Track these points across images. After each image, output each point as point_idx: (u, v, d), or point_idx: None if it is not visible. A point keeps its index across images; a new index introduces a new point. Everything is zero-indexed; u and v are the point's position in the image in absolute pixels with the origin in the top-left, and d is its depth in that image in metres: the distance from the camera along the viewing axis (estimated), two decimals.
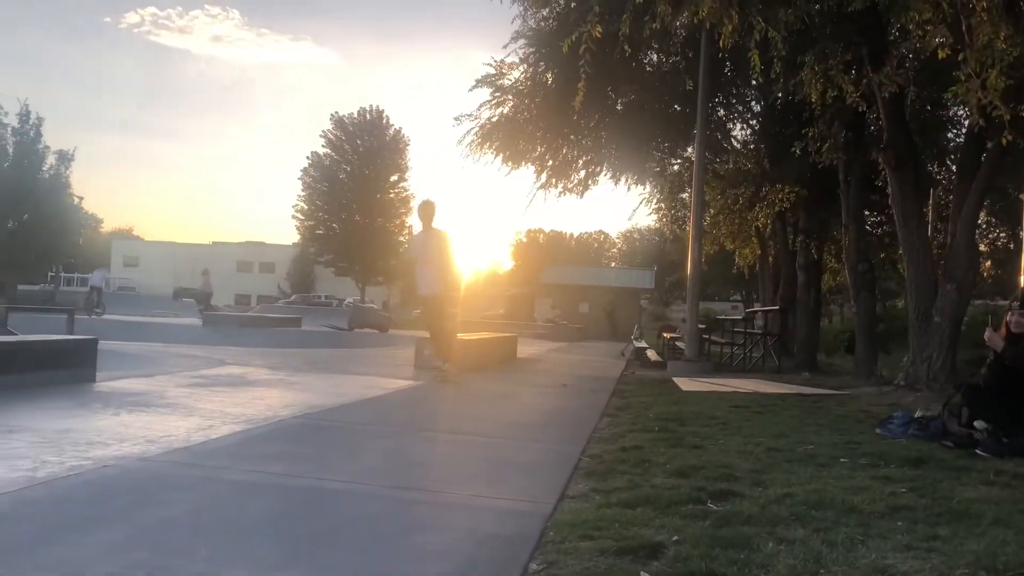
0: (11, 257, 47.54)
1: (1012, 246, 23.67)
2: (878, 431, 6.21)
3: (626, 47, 9.15)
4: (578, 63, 9.09)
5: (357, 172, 61.34)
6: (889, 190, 10.80)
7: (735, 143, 18.54)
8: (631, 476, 4.26)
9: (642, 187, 19.07)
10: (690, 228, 14.94)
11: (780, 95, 14.43)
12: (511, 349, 14.03)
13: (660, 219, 22.32)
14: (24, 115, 48.22)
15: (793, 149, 13.00)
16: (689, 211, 16.33)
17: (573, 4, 11.96)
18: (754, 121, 18.28)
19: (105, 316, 23.77)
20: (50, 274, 57.27)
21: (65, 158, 49.77)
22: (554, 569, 2.72)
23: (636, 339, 20.79)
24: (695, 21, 8.52)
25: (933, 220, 13.70)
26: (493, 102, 14.79)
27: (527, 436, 5.91)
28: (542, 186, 16.08)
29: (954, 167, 14.73)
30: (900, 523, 3.43)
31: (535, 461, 4.86)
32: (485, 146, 14.97)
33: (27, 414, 5.06)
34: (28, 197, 47.12)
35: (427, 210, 9.62)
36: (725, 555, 2.85)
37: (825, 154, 12.25)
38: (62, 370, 6.70)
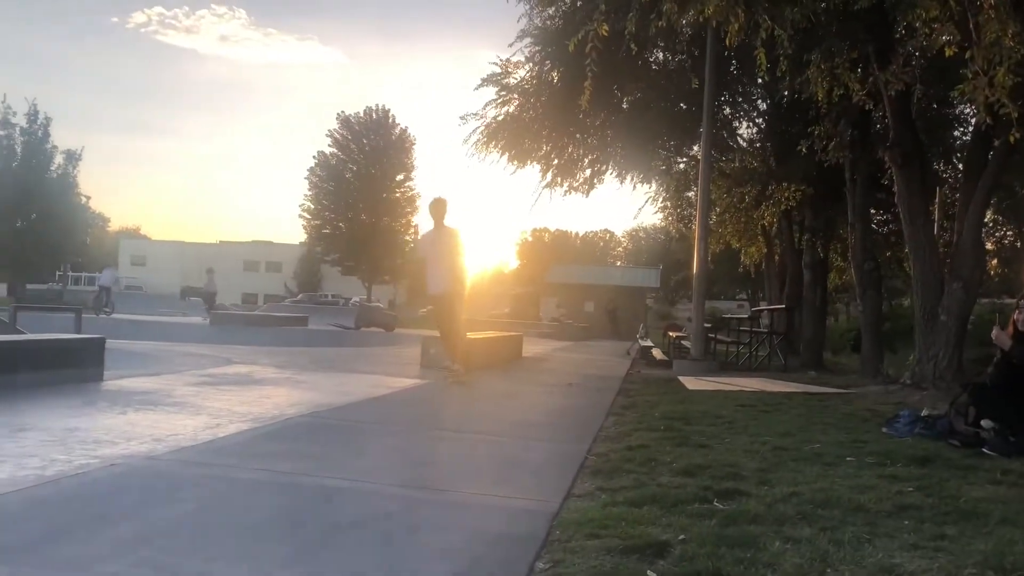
0: (19, 256, 47.69)
1: (1019, 244, 23.65)
2: (884, 430, 6.20)
3: (632, 45, 9.15)
4: (584, 62, 9.09)
5: (363, 171, 61.38)
6: (895, 188, 10.77)
7: (741, 141, 18.54)
8: (637, 475, 4.26)
9: (648, 186, 19.07)
10: (696, 227, 14.91)
11: (786, 93, 14.38)
12: (517, 348, 14.04)
13: (666, 218, 22.30)
14: (32, 115, 48.36)
15: (799, 147, 12.97)
16: (695, 209, 16.31)
17: (579, 3, 11.98)
18: (760, 119, 18.27)
19: (113, 315, 23.83)
20: (58, 273, 57.44)
21: (73, 157, 49.90)
22: (560, 568, 2.72)
23: (642, 338, 20.76)
24: (701, 19, 8.52)
25: (939, 218, 13.67)
26: (499, 101, 14.81)
27: (533, 435, 5.91)
28: (548, 185, 16.10)
29: (960, 165, 14.68)
30: (907, 522, 3.43)
31: (541, 460, 4.86)
32: (491, 145, 14.98)
33: (36, 413, 5.09)
34: (36, 196, 47.25)
35: (439, 207, 9.37)
36: (731, 554, 2.85)
37: (831, 152, 12.22)
38: (70, 369, 6.72)
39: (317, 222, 62.70)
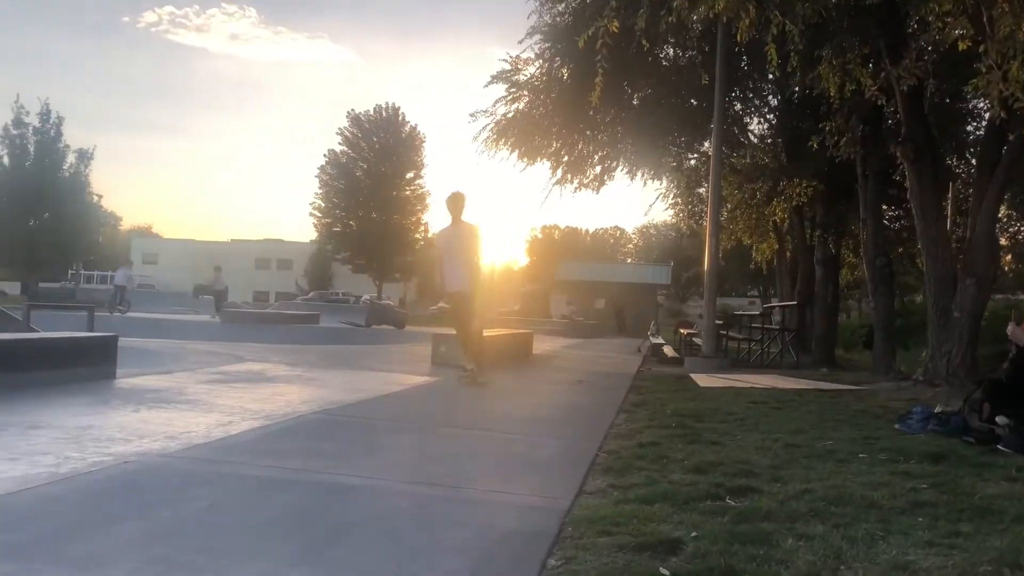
0: (33, 255, 48.03)
1: None
2: (897, 427, 6.17)
3: (643, 42, 9.14)
4: (594, 58, 9.08)
5: (373, 169, 61.54)
6: (908, 184, 10.71)
7: (752, 137, 18.47)
8: (649, 472, 4.25)
9: (658, 182, 19.04)
10: (707, 223, 14.87)
11: (797, 89, 14.35)
12: (527, 346, 14.03)
13: (677, 214, 22.27)
14: (45, 114, 48.68)
15: (810, 143, 12.92)
16: (706, 206, 16.28)
17: None
18: (771, 115, 18.21)
19: (128, 313, 23.96)
20: (71, 272, 57.83)
21: (85, 157, 50.21)
22: (572, 565, 2.72)
23: (653, 335, 20.74)
24: (712, 15, 8.48)
25: (952, 214, 13.57)
26: (508, 98, 14.81)
27: (544, 432, 5.91)
28: (558, 182, 16.09)
29: (974, 160, 14.58)
30: (921, 519, 3.41)
31: (552, 457, 4.85)
32: (500, 142, 14.98)
33: (49, 410, 5.11)
34: (49, 196, 47.58)
35: (457, 203, 8.93)
36: (744, 551, 2.84)
37: (843, 148, 12.17)
38: (83, 367, 6.75)
39: (328, 220, 62.91)
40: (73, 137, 74.37)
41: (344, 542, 2.84)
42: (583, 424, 6.38)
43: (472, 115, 15.16)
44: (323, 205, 62.87)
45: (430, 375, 9.24)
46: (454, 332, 9.48)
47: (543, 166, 15.80)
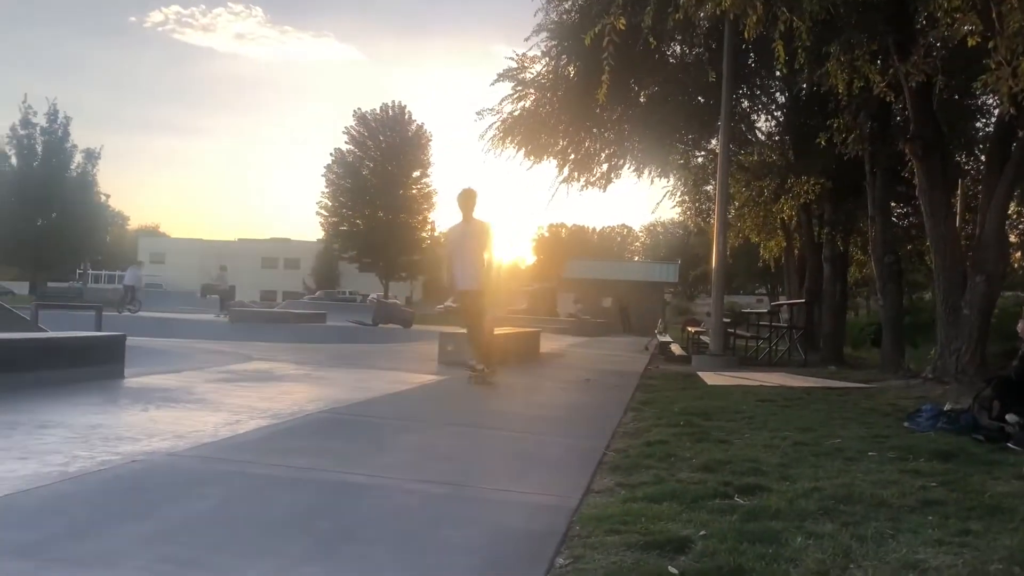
0: (41, 255, 48.30)
1: None
2: (906, 425, 6.15)
3: (650, 39, 9.12)
4: (601, 55, 9.06)
5: (380, 168, 61.62)
6: (916, 181, 10.66)
7: (759, 135, 18.43)
8: (657, 471, 4.25)
9: (666, 180, 19.04)
10: (714, 221, 14.85)
11: (805, 86, 14.33)
12: (534, 344, 14.02)
13: (684, 212, 22.23)
14: (52, 114, 48.95)
15: (818, 140, 12.88)
16: (713, 204, 16.23)
17: None
18: (779, 112, 18.16)
19: (138, 312, 24.04)
20: (79, 271, 58.05)
21: (92, 156, 50.49)
22: (581, 563, 2.71)
23: (660, 333, 20.69)
24: (719, 12, 8.46)
25: (961, 211, 13.52)
26: (515, 96, 14.80)
27: (551, 431, 5.91)
28: (564, 180, 16.07)
29: (983, 157, 14.52)
30: (931, 518, 3.39)
31: (560, 456, 4.85)
32: (507, 140, 14.98)
33: (58, 409, 5.13)
34: (57, 195, 47.84)
35: (468, 199, 8.74)
36: (753, 550, 2.83)
37: (851, 145, 12.13)
38: (91, 366, 6.77)
39: (334, 219, 63.02)
40: (80, 137, 74.85)
41: (352, 540, 2.84)
42: (591, 422, 6.38)
43: (478, 113, 15.18)
44: (330, 204, 62.98)
45: (437, 374, 9.24)
46: (463, 331, 9.39)
47: (550, 164, 15.81)
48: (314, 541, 2.80)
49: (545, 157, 15.53)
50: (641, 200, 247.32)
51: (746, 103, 17.55)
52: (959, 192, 13.49)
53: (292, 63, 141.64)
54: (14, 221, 47.14)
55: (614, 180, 16.68)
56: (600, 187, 16.59)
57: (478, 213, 8.84)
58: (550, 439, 5.46)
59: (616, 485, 3.92)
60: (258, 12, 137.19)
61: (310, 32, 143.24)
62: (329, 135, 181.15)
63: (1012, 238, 19.01)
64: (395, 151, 62.03)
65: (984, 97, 14.04)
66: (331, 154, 63.65)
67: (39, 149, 48.53)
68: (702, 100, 15.72)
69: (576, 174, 16.09)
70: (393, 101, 67.53)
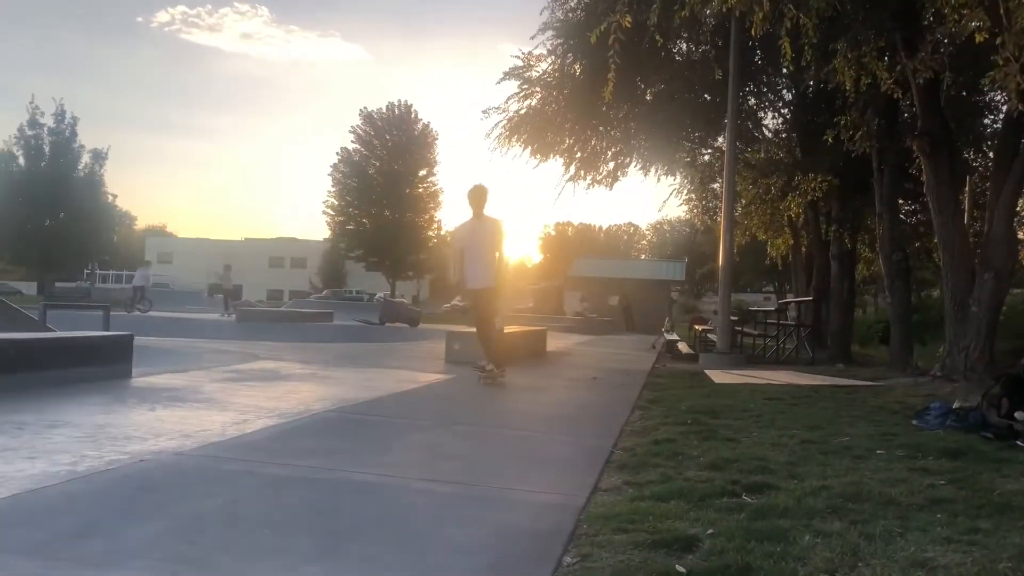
0: (48, 255, 48.47)
1: None
2: (915, 422, 6.13)
3: (655, 36, 9.11)
4: (607, 53, 9.05)
5: (386, 167, 61.70)
6: (924, 178, 10.62)
7: (766, 132, 18.39)
8: (664, 469, 4.24)
9: (672, 178, 18.99)
10: (721, 219, 14.81)
11: (812, 83, 14.26)
12: (541, 343, 14.01)
13: (691, 210, 22.20)
14: (60, 115, 49.09)
15: (825, 137, 12.83)
16: (720, 201, 16.22)
17: None
18: (785, 110, 18.11)
19: (148, 312, 24.13)
20: (86, 271, 58.21)
21: (99, 157, 50.59)
22: (588, 562, 2.71)
23: (667, 331, 20.65)
24: (725, 9, 8.44)
25: (969, 208, 13.47)
26: (521, 94, 14.80)
27: (558, 429, 5.90)
28: (571, 178, 16.06)
29: (991, 153, 14.45)
30: (939, 516, 3.38)
31: (567, 454, 4.85)
32: (513, 139, 14.97)
33: (66, 409, 5.15)
34: (64, 196, 47.97)
35: (479, 196, 8.56)
36: (761, 548, 2.82)
37: (858, 142, 12.08)
38: (99, 366, 6.79)
39: (341, 218, 63.13)
40: (88, 137, 75.00)
41: (359, 539, 2.84)
42: (598, 421, 6.37)
43: (485, 112, 15.18)
44: (336, 203, 63.09)
45: (444, 373, 9.24)
46: (472, 330, 9.32)
47: (556, 162, 15.81)
48: (321, 540, 2.81)
49: (551, 155, 15.52)
50: (648, 198, 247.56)
51: (753, 100, 17.51)
52: (967, 189, 13.42)
53: (298, 63, 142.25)
54: (22, 221, 47.32)
55: (620, 178, 16.68)
56: (606, 185, 16.59)
57: (489, 210, 8.70)
58: (557, 438, 5.45)
59: (623, 483, 3.92)
60: (264, 12, 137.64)
61: (316, 32, 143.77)
62: (335, 134, 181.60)
63: (1021, 235, 18.93)
64: (401, 150, 62.11)
65: (992, 93, 13.98)
66: (337, 153, 63.88)
67: (46, 149, 48.68)
68: (708, 98, 15.69)
69: (582, 172, 16.07)
70: (399, 100, 67.74)
